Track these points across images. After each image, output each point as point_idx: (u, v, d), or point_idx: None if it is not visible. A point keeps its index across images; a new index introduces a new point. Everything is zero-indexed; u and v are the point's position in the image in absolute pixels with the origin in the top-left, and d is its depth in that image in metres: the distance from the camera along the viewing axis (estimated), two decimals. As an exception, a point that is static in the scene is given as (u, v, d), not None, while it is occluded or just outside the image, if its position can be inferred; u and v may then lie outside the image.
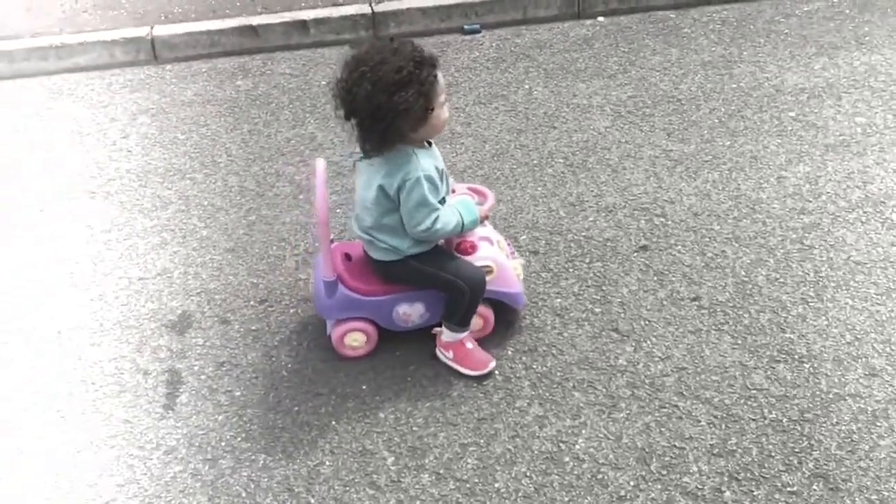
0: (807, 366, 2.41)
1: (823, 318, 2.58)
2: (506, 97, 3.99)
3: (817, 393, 2.32)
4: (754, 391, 2.33)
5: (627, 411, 2.28)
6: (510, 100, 3.97)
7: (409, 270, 2.36)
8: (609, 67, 4.23)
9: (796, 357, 2.44)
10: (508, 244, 2.64)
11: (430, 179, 2.21)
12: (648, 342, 2.51)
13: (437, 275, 2.34)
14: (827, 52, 4.25)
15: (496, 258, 2.44)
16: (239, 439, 2.24)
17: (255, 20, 4.55)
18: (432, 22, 4.67)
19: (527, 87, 4.08)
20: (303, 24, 4.56)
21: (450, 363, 2.42)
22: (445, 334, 2.42)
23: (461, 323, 2.40)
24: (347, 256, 2.47)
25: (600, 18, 4.80)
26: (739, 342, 2.50)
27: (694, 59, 4.26)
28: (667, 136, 3.60)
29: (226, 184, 3.41)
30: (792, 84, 3.97)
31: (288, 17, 4.57)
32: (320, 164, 2.35)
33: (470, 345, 2.43)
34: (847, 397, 2.31)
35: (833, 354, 2.45)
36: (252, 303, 2.74)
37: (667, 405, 2.30)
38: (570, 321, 2.59)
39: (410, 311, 2.44)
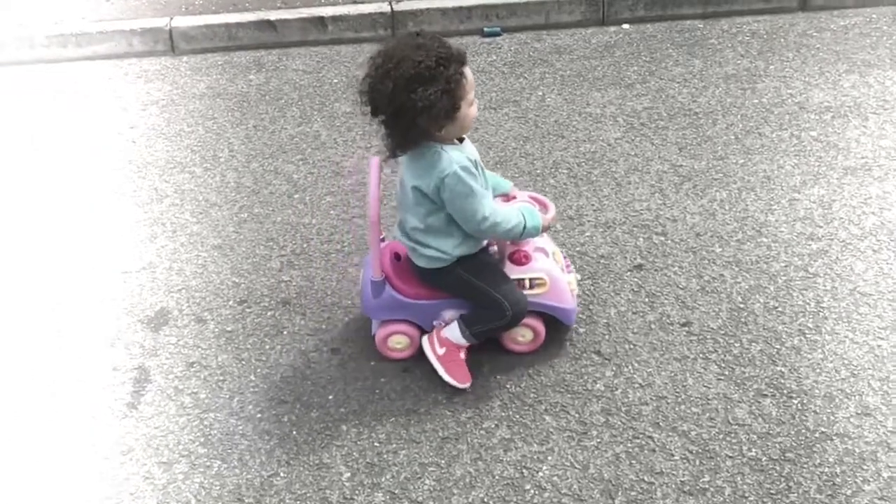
0: (795, 401, 2.29)
1: (819, 351, 2.45)
2: (517, 103, 3.91)
3: (803, 431, 2.20)
4: (735, 426, 2.22)
5: (598, 440, 2.19)
6: (522, 106, 3.88)
7: (454, 280, 2.29)
8: (628, 77, 4.11)
9: (785, 392, 2.32)
10: (564, 257, 2.55)
11: (465, 169, 2.13)
12: (630, 367, 2.41)
13: (487, 291, 2.26)
14: (859, 69, 4.08)
15: (550, 271, 2.36)
16: (197, 444, 2.20)
17: (274, 15, 4.53)
18: (452, 23, 4.60)
19: (540, 93, 3.99)
20: (321, 21, 4.53)
21: (433, 360, 2.32)
22: (451, 331, 2.33)
23: (477, 337, 2.32)
24: (397, 256, 2.41)
25: (625, 26, 4.68)
26: (726, 373, 2.39)
27: (717, 72, 4.12)
28: (678, 151, 3.48)
29: (223, 179, 3.39)
30: (817, 102, 3.81)
31: (306, 13, 4.54)
32: (375, 161, 2.29)
33: (463, 356, 2.35)
34: (834, 437, 2.18)
35: (825, 390, 2.32)
36: (231, 303, 2.70)
37: (640, 436, 2.20)
38: (551, 340, 2.49)
39: (456, 317, 2.37)
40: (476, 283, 2.27)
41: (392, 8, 4.55)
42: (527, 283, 2.33)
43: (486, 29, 4.60)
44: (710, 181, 3.28)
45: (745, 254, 2.87)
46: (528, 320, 2.37)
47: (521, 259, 2.35)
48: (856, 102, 3.79)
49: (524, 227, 2.23)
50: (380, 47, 2.13)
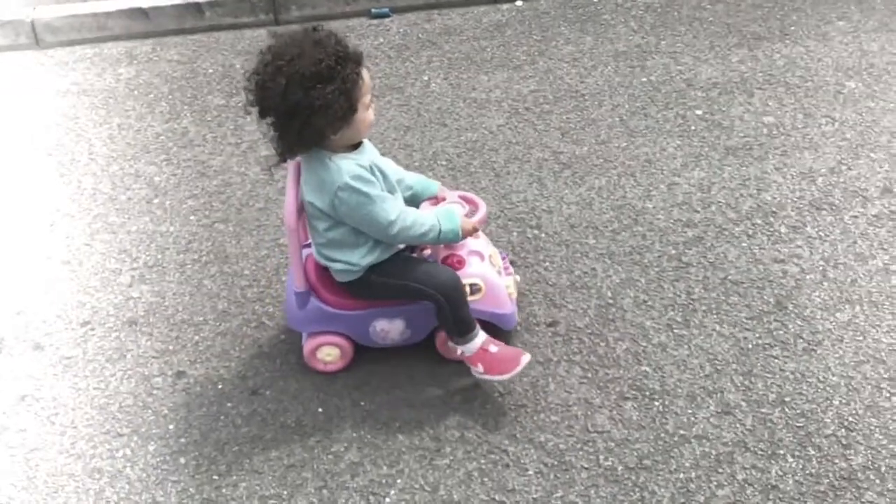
0: (657, 403, 2.23)
1: (685, 347, 2.40)
2: (401, 90, 3.76)
3: (662, 435, 2.14)
4: (594, 434, 2.15)
5: (451, 457, 2.09)
6: (405, 93, 3.73)
7: (373, 287, 2.16)
8: (516, 58, 3.99)
9: (647, 393, 2.26)
10: (504, 257, 2.42)
11: (357, 178, 2.00)
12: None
13: (406, 285, 2.14)
14: (748, 42, 4.03)
15: (485, 275, 2.23)
16: (17, 490, 2.03)
17: (146, 2, 4.27)
18: (337, 4, 4.41)
19: (426, 78, 3.84)
20: (197, 7, 4.29)
21: (484, 377, 2.20)
22: (463, 348, 2.20)
23: (460, 332, 2.17)
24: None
25: (518, 3, 4.54)
26: (589, 375, 2.31)
27: (607, 50, 4.03)
28: (560, 136, 3.38)
29: (79, 186, 3.17)
30: (705, 78, 3.75)
31: (181, -2, 4.29)
32: (291, 163, 2.13)
33: (494, 348, 2.19)
34: (693, 439, 2.13)
35: (688, 389, 2.27)
36: (73, 325, 2.52)
37: (495, 450, 2.11)
38: (409, 351, 2.38)
39: (389, 328, 2.25)
40: (392, 282, 2.16)
41: (273, -9, 4.33)
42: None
43: (373, 10, 4.41)
44: (590, 168, 3.19)
45: (619, 245, 2.79)
46: None
47: (453, 264, 2.23)
48: (742, 78, 3.74)
49: (440, 232, 2.11)
50: (270, 42, 1.98)
